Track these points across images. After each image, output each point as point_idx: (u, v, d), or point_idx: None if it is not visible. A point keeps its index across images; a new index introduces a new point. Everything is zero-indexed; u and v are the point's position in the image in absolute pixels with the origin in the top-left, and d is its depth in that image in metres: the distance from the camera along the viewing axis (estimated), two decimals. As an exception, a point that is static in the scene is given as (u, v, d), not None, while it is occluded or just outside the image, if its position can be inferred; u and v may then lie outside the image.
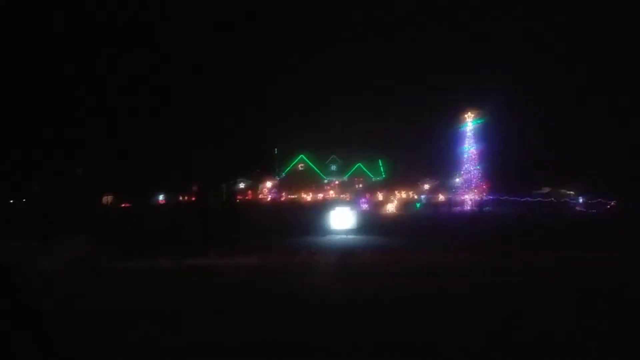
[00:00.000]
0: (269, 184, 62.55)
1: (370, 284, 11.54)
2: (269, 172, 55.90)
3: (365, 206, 45.35)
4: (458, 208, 50.38)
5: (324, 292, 10.54)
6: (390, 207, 46.33)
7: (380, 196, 56.74)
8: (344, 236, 22.83)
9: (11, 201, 34.74)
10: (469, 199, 53.82)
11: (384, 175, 68.88)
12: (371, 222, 28.15)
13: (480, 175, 55.89)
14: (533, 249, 17.02)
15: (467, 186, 56.37)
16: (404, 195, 59.80)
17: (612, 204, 43.76)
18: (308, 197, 59.05)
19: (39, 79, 23.90)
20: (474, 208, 48.66)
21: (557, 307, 9.00)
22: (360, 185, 65.99)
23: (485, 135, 54.41)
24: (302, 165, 67.98)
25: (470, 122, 55.83)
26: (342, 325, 7.83)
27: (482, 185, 54.95)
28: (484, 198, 52.94)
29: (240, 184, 53.96)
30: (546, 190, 51.61)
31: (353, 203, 41.37)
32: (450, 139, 57.15)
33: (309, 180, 64.26)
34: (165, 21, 23.86)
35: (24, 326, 1.78)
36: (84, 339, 6.63)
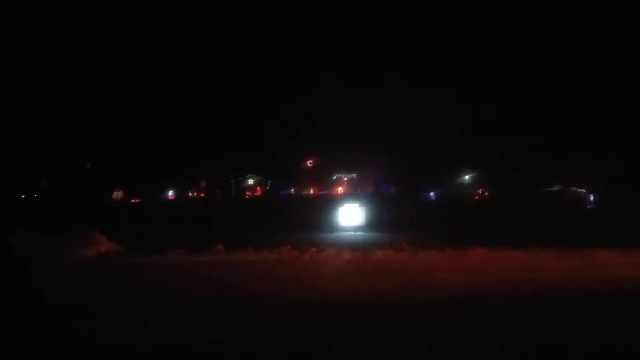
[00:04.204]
0: (278, 180, 62.34)
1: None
2: (278, 168, 55.79)
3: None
4: (467, 204, 49.93)
5: (333, 297, 10.08)
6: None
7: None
8: (352, 233, 22.78)
9: (22, 196, 34.97)
10: (478, 196, 53.35)
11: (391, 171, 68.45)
12: (380, 219, 28.00)
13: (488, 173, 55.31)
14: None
15: (477, 183, 55.83)
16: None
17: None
18: (317, 193, 58.82)
19: (50, 78, 24.07)
20: (484, 205, 48.23)
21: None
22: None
23: (495, 132, 53.80)
24: (311, 161, 67.79)
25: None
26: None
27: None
28: (493, 195, 52.40)
29: (249, 180, 53.97)
30: (557, 188, 51.08)
31: (362, 199, 41.13)
32: (459, 135, 56.50)
33: (318, 177, 64.00)
34: (169, 21, 23.93)
35: (38, 319, 1.80)
36: (94, 332, 6.69)
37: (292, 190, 62.31)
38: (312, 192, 60.67)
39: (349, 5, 47.09)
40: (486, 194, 54.40)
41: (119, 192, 41.57)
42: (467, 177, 58.42)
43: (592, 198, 47.79)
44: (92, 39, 24.57)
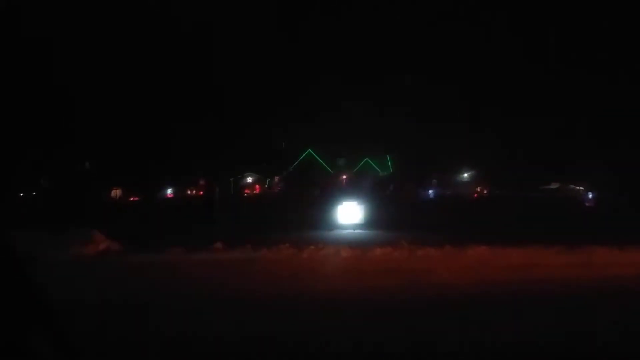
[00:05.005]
0: (276, 179, 62.61)
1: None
2: (276, 167, 55.98)
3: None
4: (465, 202, 50.12)
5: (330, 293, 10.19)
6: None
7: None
8: (351, 231, 22.82)
9: (21, 194, 35.02)
10: (477, 194, 53.62)
11: (391, 170, 68.75)
12: (379, 217, 28.06)
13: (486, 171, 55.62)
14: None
15: (476, 181, 56.15)
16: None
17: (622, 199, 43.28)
18: (315, 191, 59.00)
19: (49, 77, 24.05)
20: (483, 203, 48.39)
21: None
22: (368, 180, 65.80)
23: (492, 129, 54.04)
24: (309, 159, 68.04)
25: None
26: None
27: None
28: (492, 193, 52.68)
29: (248, 178, 54.12)
30: (555, 185, 51.31)
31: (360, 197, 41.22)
32: (457, 133, 56.77)
33: (316, 175, 64.22)
34: (169, 21, 23.94)
35: (39, 319, 1.80)
36: (94, 332, 6.69)
37: (290, 187, 62.48)
38: (310, 189, 60.72)
39: (349, 5, 47.29)
40: (485, 192, 54.71)
41: (118, 191, 41.66)
42: (465, 175, 58.78)
43: (590, 196, 48.02)
44: (92, 38, 24.55)
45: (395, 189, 57.59)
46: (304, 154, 67.52)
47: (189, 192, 50.18)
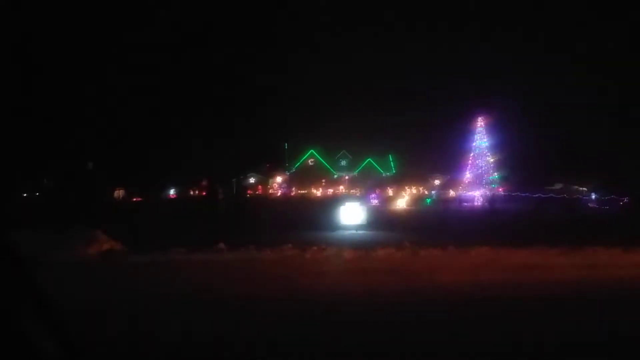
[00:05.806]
0: (279, 179, 62.73)
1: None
2: (279, 167, 55.99)
3: (375, 202, 45.24)
4: (468, 204, 50.13)
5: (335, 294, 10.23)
6: (401, 203, 46.22)
7: (390, 192, 56.70)
8: (353, 231, 22.83)
9: (24, 194, 35.15)
10: (479, 194, 53.60)
11: (394, 171, 68.73)
12: (381, 218, 28.09)
13: (491, 170, 55.59)
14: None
15: (478, 182, 56.16)
16: (414, 190, 59.65)
17: (625, 200, 43.25)
18: (318, 192, 59.14)
19: (50, 77, 24.10)
20: (485, 204, 48.40)
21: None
22: (370, 181, 65.84)
23: (496, 130, 54.08)
24: (312, 160, 68.09)
25: (481, 118, 55.54)
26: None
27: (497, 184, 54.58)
28: (495, 193, 52.64)
29: (251, 179, 54.20)
30: (558, 186, 51.24)
31: (363, 198, 41.32)
32: (461, 134, 56.86)
33: (319, 176, 64.30)
34: (168, 14, 23.96)
35: (41, 319, 1.81)
36: (96, 332, 6.69)
37: (293, 188, 62.68)
38: (313, 190, 60.95)
39: (348, 4, 47.31)
40: (487, 193, 54.66)
41: (121, 191, 41.80)
42: (467, 175, 58.77)
43: (593, 197, 47.95)
44: (93, 38, 24.58)
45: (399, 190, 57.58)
46: (307, 154, 67.60)
47: (191, 192, 50.31)
